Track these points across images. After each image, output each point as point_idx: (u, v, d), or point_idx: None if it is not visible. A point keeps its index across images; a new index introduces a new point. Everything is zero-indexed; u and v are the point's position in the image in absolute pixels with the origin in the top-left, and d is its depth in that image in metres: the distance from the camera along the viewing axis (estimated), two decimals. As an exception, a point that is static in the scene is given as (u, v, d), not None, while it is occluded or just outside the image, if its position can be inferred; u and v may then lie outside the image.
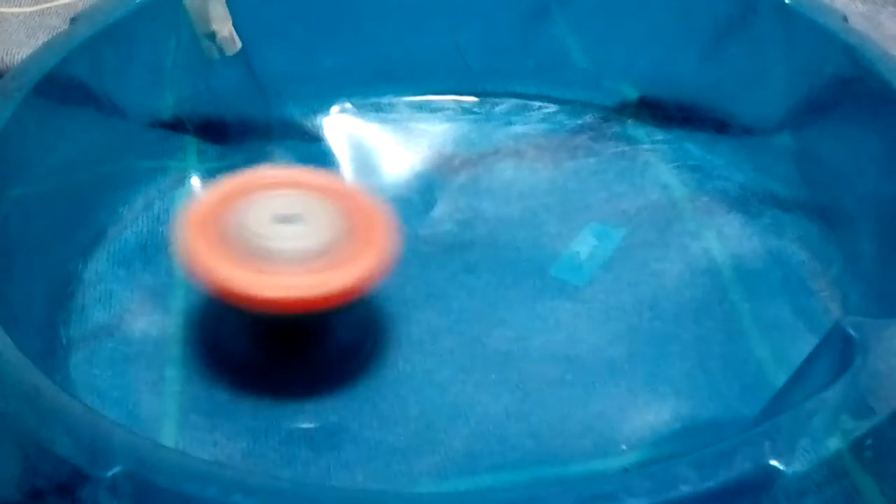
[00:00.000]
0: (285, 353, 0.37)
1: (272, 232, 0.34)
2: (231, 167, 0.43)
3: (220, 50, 0.42)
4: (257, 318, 0.35)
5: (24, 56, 0.40)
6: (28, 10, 0.50)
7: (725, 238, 0.41)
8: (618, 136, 0.45)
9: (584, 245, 0.40)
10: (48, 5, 0.50)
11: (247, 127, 0.43)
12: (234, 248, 0.34)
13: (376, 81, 0.46)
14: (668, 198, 0.42)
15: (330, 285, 0.33)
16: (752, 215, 0.42)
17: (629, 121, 0.46)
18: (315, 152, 0.44)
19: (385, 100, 0.46)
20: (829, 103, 0.40)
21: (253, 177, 0.37)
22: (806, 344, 0.32)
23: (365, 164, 0.44)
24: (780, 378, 0.34)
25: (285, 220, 0.34)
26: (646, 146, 0.45)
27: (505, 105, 0.46)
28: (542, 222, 0.41)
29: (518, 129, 0.46)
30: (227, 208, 0.35)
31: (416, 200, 0.42)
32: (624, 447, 0.33)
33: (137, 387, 0.35)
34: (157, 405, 0.35)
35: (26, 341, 0.29)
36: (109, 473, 0.24)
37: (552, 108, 0.46)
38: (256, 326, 0.37)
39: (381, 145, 0.45)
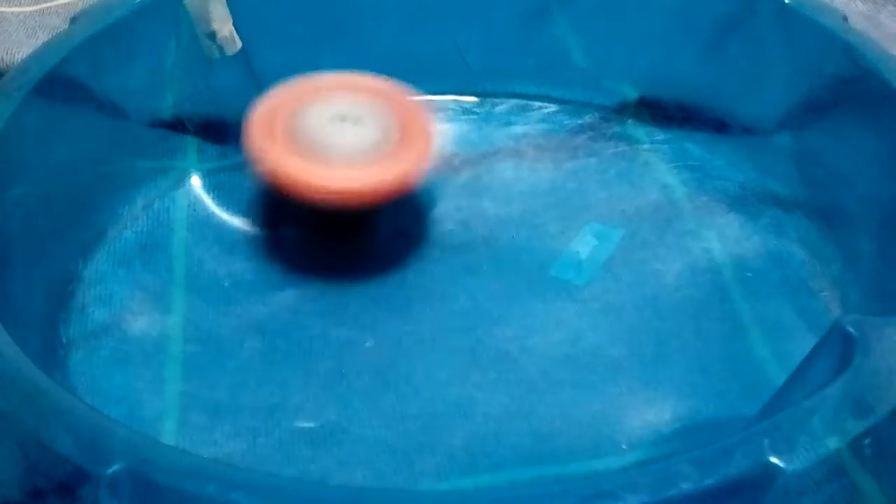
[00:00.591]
0: (336, 241, 0.41)
1: (330, 130, 0.38)
2: (231, 167, 0.43)
3: (221, 50, 0.42)
4: (313, 208, 0.38)
5: (24, 56, 0.40)
6: (28, 9, 0.50)
7: (725, 238, 0.41)
8: (618, 136, 0.45)
9: (584, 245, 0.40)
10: (48, 5, 0.50)
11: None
12: (295, 144, 0.38)
13: (376, 81, 0.46)
14: (667, 198, 0.42)
15: (380, 179, 0.37)
16: (752, 215, 0.42)
17: (629, 121, 0.46)
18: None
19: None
20: (829, 103, 0.40)
21: (314, 81, 0.41)
22: (806, 343, 0.32)
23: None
24: (780, 377, 0.34)
25: (342, 119, 0.38)
26: (646, 146, 0.45)
27: (505, 105, 0.46)
28: (543, 222, 0.41)
29: (518, 129, 0.46)
30: (290, 108, 0.39)
31: (416, 200, 0.42)
32: (624, 447, 0.33)
33: (137, 386, 0.35)
34: (157, 405, 0.35)
35: (26, 340, 0.29)
36: (110, 471, 0.24)
37: (552, 108, 0.46)
38: (312, 216, 0.40)
39: (382, 145, 0.45)
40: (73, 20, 0.40)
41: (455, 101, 0.47)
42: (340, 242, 0.41)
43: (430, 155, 0.38)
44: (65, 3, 0.50)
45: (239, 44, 0.42)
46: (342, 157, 0.37)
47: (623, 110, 0.46)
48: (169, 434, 0.34)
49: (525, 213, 0.42)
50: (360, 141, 0.38)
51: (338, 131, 0.38)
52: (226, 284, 0.39)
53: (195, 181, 0.43)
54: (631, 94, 0.46)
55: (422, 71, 0.46)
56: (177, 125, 0.43)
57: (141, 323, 0.37)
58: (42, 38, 0.46)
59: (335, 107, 0.39)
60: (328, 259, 0.40)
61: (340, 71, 0.42)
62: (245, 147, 0.38)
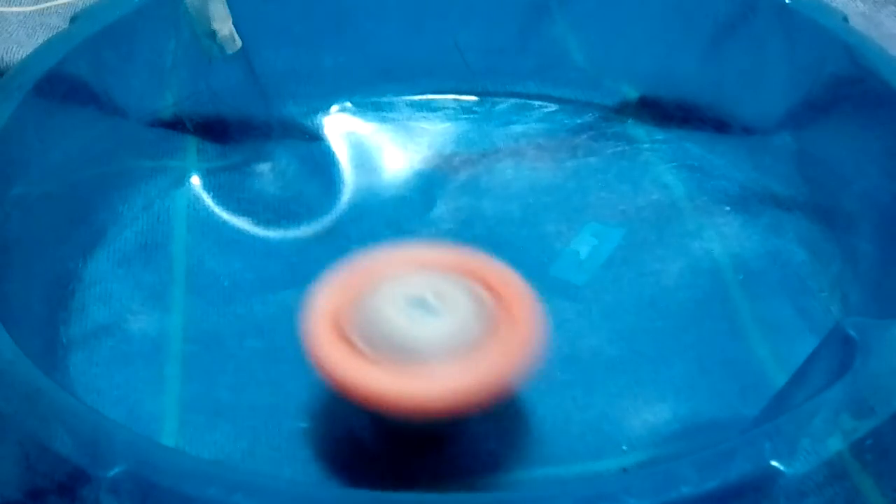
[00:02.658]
0: (414, 457, 0.33)
1: (405, 322, 0.31)
2: (231, 167, 0.43)
3: (221, 49, 0.42)
4: (385, 419, 0.32)
5: (24, 55, 0.40)
6: (28, 9, 0.50)
7: (725, 238, 0.41)
8: (618, 135, 0.45)
9: (584, 244, 0.40)
10: (48, 4, 0.50)
11: (247, 126, 0.43)
12: (364, 342, 0.31)
13: (376, 81, 0.46)
14: (668, 197, 0.42)
15: (470, 384, 0.30)
16: (752, 215, 0.42)
17: (629, 120, 0.46)
18: (315, 151, 0.44)
19: (385, 99, 0.46)
20: (829, 103, 0.40)
21: (382, 256, 0.34)
22: (806, 344, 0.32)
23: (365, 164, 0.44)
24: (780, 378, 0.34)
25: (420, 306, 0.31)
26: (646, 146, 0.45)
27: (505, 104, 0.46)
28: (542, 222, 0.41)
29: (518, 128, 0.46)
30: (356, 294, 0.32)
31: (415, 200, 0.42)
32: (624, 447, 0.33)
33: (137, 386, 0.35)
34: (157, 404, 0.35)
35: (26, 341, 0.29)
36: (111, 473, 0.24)
37: (552, 107, 0.46)
38: (384, 428, 0.33)
39: (381, 144, 0.45)
40: (73, 19, 0.40)
41: (455, 100, 0.47)
42: (422, 457, 0.33)
43: (533, 347, 0.31)
44: (65, 3, 0.50)
45: (239, 43, 0.42)
46: (422, 357, 0.30)
47: (623, 110, 0.46)
48: (169, 434, 0.34)
49: (525, 213, 0.42)
50: (444, 334, 0.30)
51: (415, 323, 0.30)
52: (226, 284, 0.39)
53: (195, 181, 0.43)
54: (631, 93, 0.46)
55: (422, 70, 0.46)
56: (177, 125, 0.43)
57: (141, 323, 0.37)
58: (42, 37, 0.46)
59: (410, 289, 0.31)
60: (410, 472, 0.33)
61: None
62: (304, 348, 0.31)
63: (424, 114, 0.46)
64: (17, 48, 0.47)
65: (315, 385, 0.35)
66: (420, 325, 0.30)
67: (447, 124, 0.46)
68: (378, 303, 0.31)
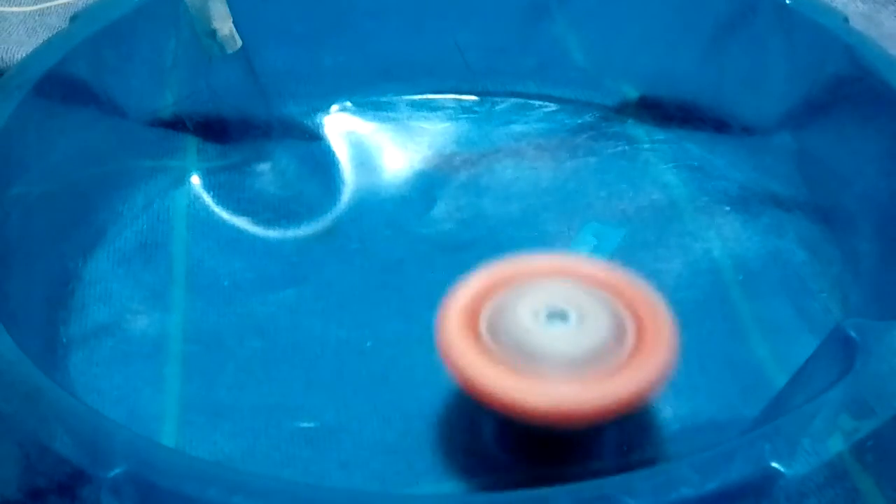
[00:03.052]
0: (543, 464, 0.33)
1: (540, 330, 0.31)
2: (231, 166, 0.43)
3: (221, 48, 0.42)
4: (516, 423, 0.31)
5: (24, 55, 0.40)
6: (28, 8, 0.50)
7: (725, 238, 0.41)
8: (618, 135, 0.45)
9: (584, 245, 0.40)
10: (48, 4, 0.50)
11: (247, 126, 0.43)
12: (499, 347, 0.31)
13: (376, 80, 0.46)
14: (668, 197, 0.42)
15: (601, 397, 0.30)
16: (753, 215, 0.42)
17: (629, 120, 0.46)
18: (315, 151, 0.44)
19: (385, 99, 0.46)
20: (829, 103, 0.40)
21: (520, 264, 0.34)
22: (806, 344, 0.32)
23: (365, 163, 0.44)
24: (780, 378, 0.34)
25: (556, 316, 0.31)
26: (646, 146, 0.45)
27: (505, 104, 0.46)
28: (543, 222, 0.41)
29: (518, 128, 0.46)
30: (492, 299, 0.32)
31: (416, 200, 0.42)
32: (624, 447, 0.33)
33: (137, 386, 0.35)
34: (157, 404, 0.35)
35: (26, 340, 0.29)
36: (111, 474, 0.24)
37: (552, 107, 0.46)
38: (514, 433, 0.33)
39: (382, 144, 0.45)
40: (73, 19, 0.40)
41: (455, 99, 0.47)
42: (551, 466, 0.33)
43: (668, 364, 0.30)
44: (65, 3, 0.50)
45: (239, 42, 0.42)
46: (557, 366, 0.30)
47: (623, 110, 0.46)
48: (169, 434, 0.34)
49: (525, 213, 0.42)
50: (580, 345, 0.30)
51: (552, 333, 0.31)
52: (226, 284, 0.39)
53: (195, 180, 0.43)
54: (631, 93, 0.46)
55: (422, 70, 0.46)
56: (177, 124, 0.43)
57: (141, 322, 0.37)
58: (42, 37, 0.46)
59: (548, 299, 0.31)
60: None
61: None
62: (439, 350, 0.31)
63: (424, 113, 0.46)
64: (17, 48, 0.47)
65: (316, 384, 0.36)
66: (554, 335, 0.31)
67: (447, 124, 0.46)
68: (517, 308, 0.31)
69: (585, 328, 0.31)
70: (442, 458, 0.33)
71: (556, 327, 0.31)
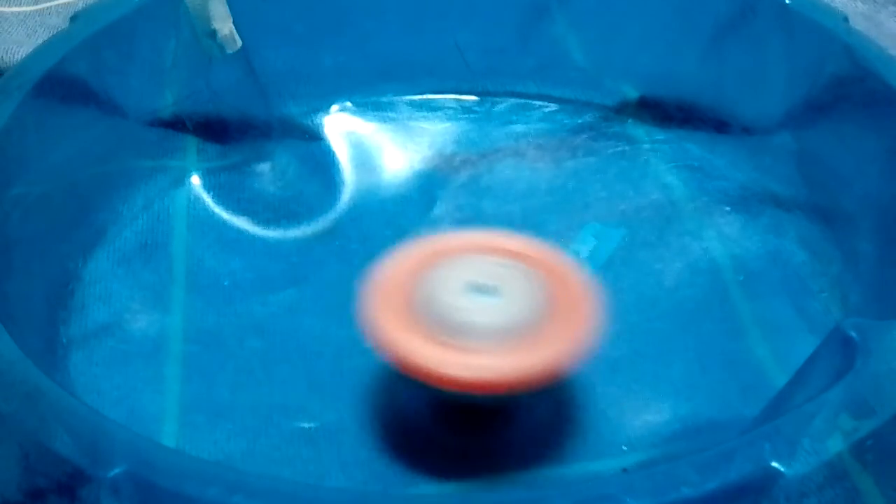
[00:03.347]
0: (470, 433, 0.34)
1: (464, 303, 0.31)
2: (231, 166, 0.43)
3: (221, 49, 0.42)
4: (442, 394, 0.32)
5: (24, 55, 0.40)
6: (28, 9, 0.50)
7: (725, 238, 0.41)
8: (618, 135, 0.45)
9: (584, 245, 0.40)
10: (48, 4, 0.50)
11: (247, 126, 0.43)
12: (422, 319, 0.31)
13: (376, 80, 0.46)
14: (668, 197, 0.42)
15: (525, 367, 0.30)
16: (753, 215, 0.42)
17: (629, 120, 0.46)
18: (315, 151, 0.44)
19: (385, 99, 0.46)
20: (829, 103, 0.40)
21: (439, 241, 0.35)
22: (806, 344, 0.32)
23: (365, 164, 0.44)
24: (780, 378, 0.34)
25: (479, 290, 0.32)
26: (646, 146, 0.45)
27: (505, 104, 0.46)
28: (542, 222, 0.41)
29: (518, 128, 0.46)
30: (414, 276, 0.33)
31: (416, 200, 0.42)
32: (624, 447, 0.34)
33: (137, 386, 0.35)
34: (157, 404, 0.35)
35: (26, 340, 0.29)
36: (111, 473, 0.24)
37: (552, 107, 0.46)
38: (441, 403, 0.34)
39: (382, 144, 0.45)
40: (73, 19, 0.40)
41: (455, 99, 0.47)
42: (474, 436, 0.34)
43: (588, 332, 0.31)
44: (65, 3, 0.50)
45: (239, 43, 0.42)
46: (479, 338, 0.31)
47: (623, 110, 0.46)
48: (169, 434, 0.34)
49: (525, 213, 0.42)
50: (502, 317, 0.31)
51: (473, 306, 0.31)
52: (226, 284, 0.39)
53: (195, 180, 0.43)
54: (631, 93, 0.46)
55: (422, 70, 0.46)
56: (177, 124, 0.43)
57: (141, 322, 0.37)
58: (42, 37, 0.46)
59: (468, 273, 0.32)
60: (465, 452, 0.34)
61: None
62: (362, 325, 0.32)
63: (425, 113, 0.46)
64: (17, 48, 0.47)
65: (316, 384, 0.36)
66: (478, 307, 0.31)
67: (447, 124, 0.46)
68: (439, 283, 0.32)
69: (507, 301, 0.31)
70: (441, 458, 0.33)
71: (479, 300, 0.31)
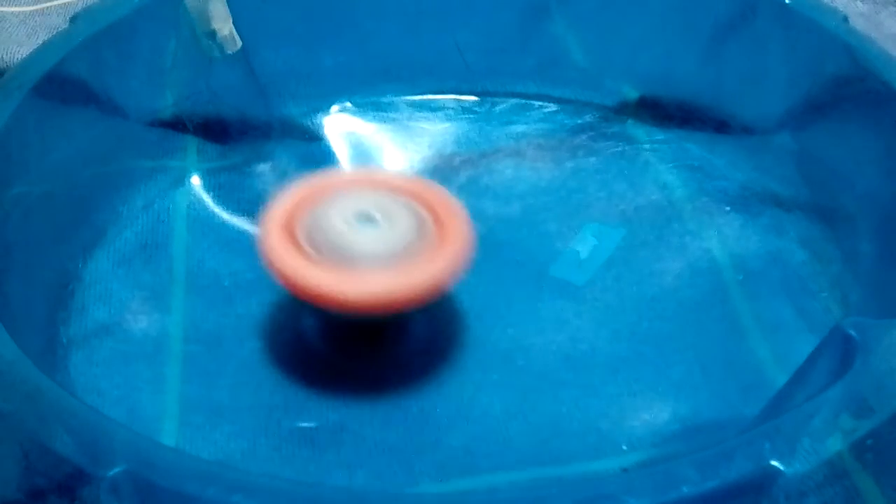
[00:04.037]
0: (362, 351, 0.37)
1: (351, 232, 0.34)
2: (231, 167, 0.43)
3: (221, 49, 0.42)
4: (335, 316, 0.36)
5: (24, 55, 0.40)
6: (28, 9, 0.50)
7: (725, 238, 0.41)
8: (618, 135, 0.45)
9: (584, 245, 0.40)
10: (48, 4, 0.50)
11: (247, 126, 0.43)
12: (313, 249, 0.34)
13: (376, 80, 0.46)
14: (667, 198, 0.42)
15: (408, 285, 0.34)
16: (753, 215, 0.42)
17: (629, 120, 0.46)
18: (315, 151, 0.44)
19: (385, 99, 0.46)
20: (829, 103, 0.40)
21: (332, 177, 0.38)
22: (806, 344, 0.32)
23: (365, 164, 0.44)
24: (780, 378, 0.34)
25: (365, 219, 0.35)
26: (646, 146, 0.45)
27: (505, 104, 0.46)
28: (542, 222, 0.41)
29: (518, 128, 0.46)
30: (308, 207, 0.36)
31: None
32: (624, 447, 0.33)
33: (138, 386, 0.35)
34: (157, 404, 0.35)
35: (26, 341, 0.29)
36: (111, 473, 0.24)
37: (552, 107, 0.46)
38: (334, 325, 0.37)
39: (382, 144, 0.45)
40: (73, 19, 0.40)
41: (455, 100, 0.47)
42: (366, 352, 0.37)
43: (464, 254, 0.35)
44: (65, 3, 0.50)
45: (239, 43, 0.42)
46: (367, 262, 0.34)
47: (623, 110, 0.46)
48: (169, 434, 0.34)
49: (525, 213, 0.42)
50: (386, 243, 0.34)
51: (361, 233, 0.34)
52: (226, 284, 0.39)
53: (195, 181, 0.43)
54: (631, 93, 0.46)
55: (421, 70, 0.46)
56: (177, 125, 0.43)
57: (141, 323, 0.37)
58: (42, 37, 0.46)
59: (357, 205, 0.35)
60: (355, 370, 0.36)
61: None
62: (260, 253, 0.35)
63: (425, 114, 0.46)
64: (17, 48, 0.47)
65: (316, 384, 0.36)
66: (363, 234, 0.34)
67: (447, 124, 0.46)
68: (327, 214, 0.35)
69: (390, 228, 0.35)
70: (441, 457, 0.33)
71: (365, 229, 0.34)
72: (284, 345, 0.37)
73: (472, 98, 0.47)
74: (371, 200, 0.36)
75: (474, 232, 0.36)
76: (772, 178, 0.42)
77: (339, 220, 0.35)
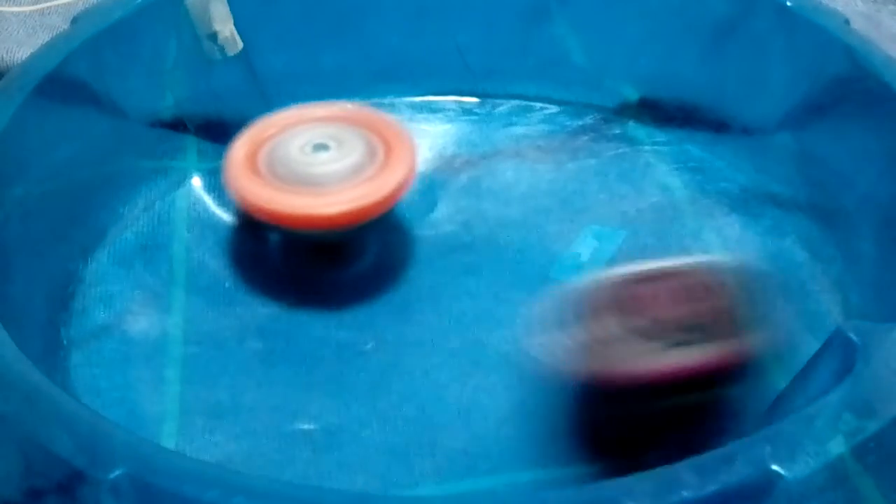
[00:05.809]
0: (322, 269, 0.40)
1: (307, 158, 0.38)
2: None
3: (222, 50, 0.42)
4: (296, 235, 0.39)
5: (25, 55, 0.40)
6: (28, 9, 0.50)
7: (726, 239, 0.41)
8: (618, 137, 0.45)
9: (584, 246, 0.40)
10: (49, 5, 0.50)
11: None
12: (276, 176, 0.38)
13: (377, 82, 0.46)
14: (668, 199, 0.42)
15: (360, 202, 0.37)
16: (753, 216, 0.42)
17: (630, 122, 0.46)
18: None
19: (386, 100, 0.46)
20: (829, 103, 0.40)
21: (291, 112, 0.41)
22: (807, 346, 0.32)
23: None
24: (780, 379, 0.34)
25: (320, 147, 0.38)
26: (646, 147, 0.45)
27: (506, 106, 0.46)
28: (543, 223, 0.41)
29: (519, 129, 0.46)
30: (269, 140, 0.39)
31: (417, 201, 0.42)
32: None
33: (138, 387, 0.35)
34: (157, 405, 0.35)
35: (27, 341, 0.29)
36: (110, 475, 0.24)
37: (553, 108, 0.46)
38: (295, 244, 0.40)
39: (382, 145, 0.45)
40: (74, 20, 0.40)
41: (456, 101, 0.47)
42: (331, 266, 0.40)
43: (411, 173, 0.38)
44: (65, 3, 0.50)
45: (240, 44, 0.42)
46: (323, 184, 0.37)
47: (624, 111, 0.46)
48: (169, 435, 0.34)
49: (526, 215, 0.42)
50: (341, 166, 0.38)
51: (317, 159, 0.38)
52: (226, 285, 0.39)
53: (195, 181, 0.43)
54: (632, 94, 0.46)
55: (422, 71, 0.46)
56: (177, 125, 0.43)
57: (141, 324, 0.37)
58: (43, 37, 0.46)
59: (313, 135, 0.39)
60: (320, 283, 0.40)
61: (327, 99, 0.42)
62: (226, 184, 0.38)
63: (425, 115, 0.46)
64: (17, 48, 0.47)
65: (316, 385, 0.36)
66: (320, 160, 0.38)
67: (448, 126, 0.46)
68: (286, 145, 0.39)
69: (343, 153, 0.38)
70: (441, 459, 0.33)
71: (320, 155, 0.38)
72: (252, 268, 0.40)
73: (473, 99, 0.47)
74: (325, 131, 0.39)
75: (417, 154, 0.39)
76: (772, 179, 0.42)
77: (296, 149, 0.38)
